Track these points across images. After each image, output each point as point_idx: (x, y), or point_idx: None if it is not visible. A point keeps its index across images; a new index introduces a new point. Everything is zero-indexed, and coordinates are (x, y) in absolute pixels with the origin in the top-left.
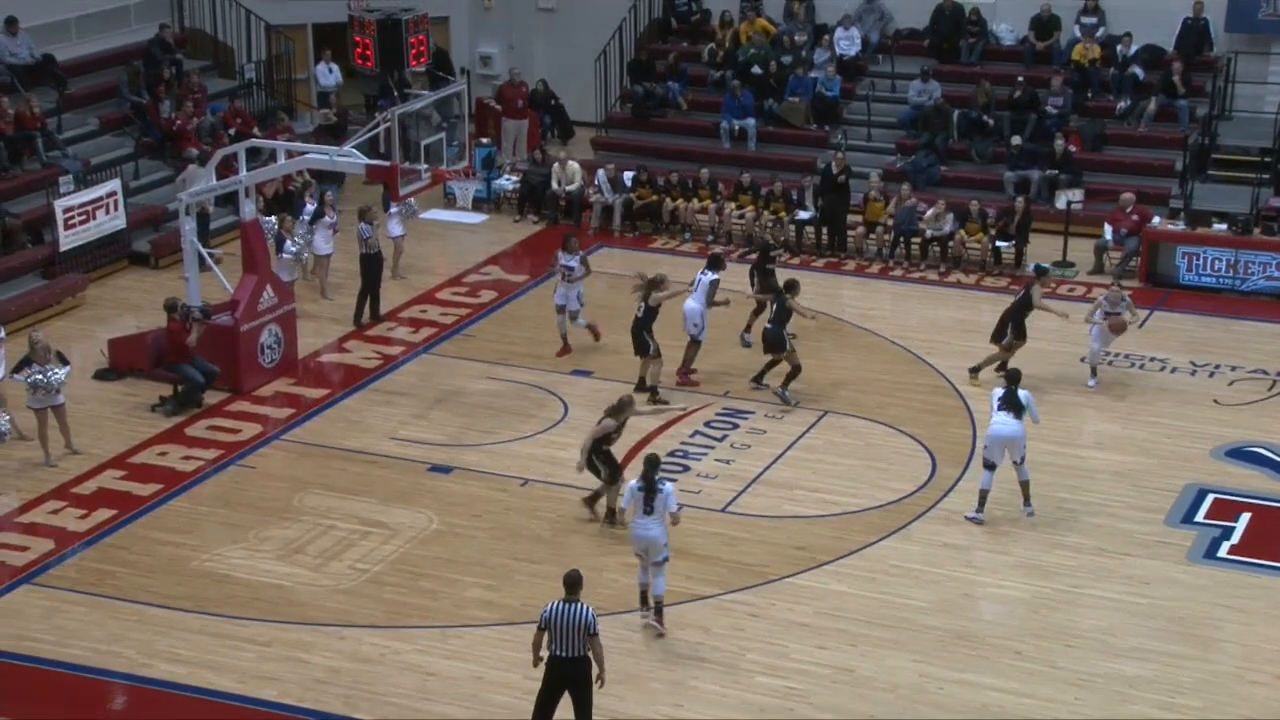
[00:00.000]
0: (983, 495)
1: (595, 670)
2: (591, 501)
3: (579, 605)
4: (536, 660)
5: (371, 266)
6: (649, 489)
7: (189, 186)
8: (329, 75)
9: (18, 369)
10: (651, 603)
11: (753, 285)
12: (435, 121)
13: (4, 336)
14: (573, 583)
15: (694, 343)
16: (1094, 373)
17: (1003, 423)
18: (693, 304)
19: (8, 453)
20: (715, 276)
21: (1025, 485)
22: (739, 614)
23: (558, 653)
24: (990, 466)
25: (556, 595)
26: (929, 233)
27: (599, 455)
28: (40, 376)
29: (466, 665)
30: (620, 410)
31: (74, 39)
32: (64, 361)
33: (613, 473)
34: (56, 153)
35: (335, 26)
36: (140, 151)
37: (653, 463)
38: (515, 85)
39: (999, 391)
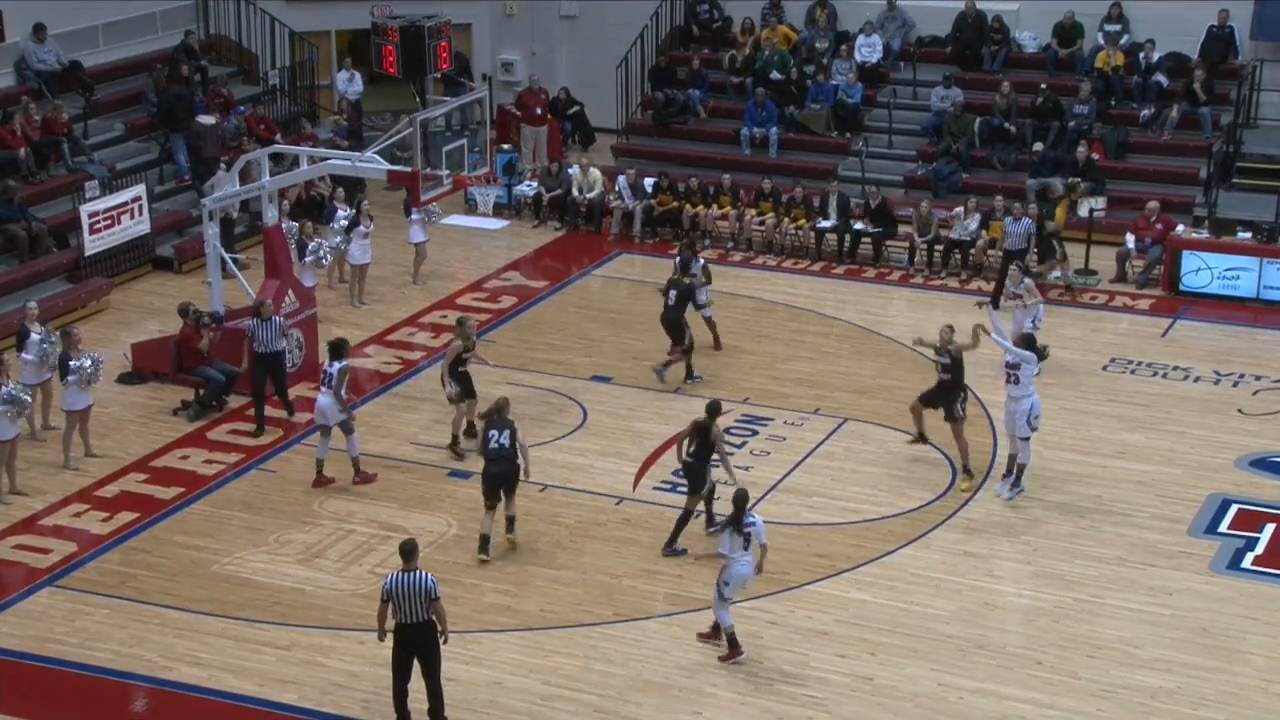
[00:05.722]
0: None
1: (439, 629)
2: None
3: (419, 573)
4: (383, 634)
5: (258, 367)
6: (740, 526)
7: (216, 191)
8: (350, 83)
9: (63, 371)
10: (723, 635)
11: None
12: (456, 127)
13: (56, 338)
14: (409, 551)
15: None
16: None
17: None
18: (323, 399)
19: (29, 456)
20: (342, 365)
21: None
22: (758, 621)
23: (404, 621)
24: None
25: (575, 601)
26: (954, 234)
27: (454, 375)
28: (87, 364)
29: (485, 671)
30: (465, 333)
31: (101, 45)
32: None
33: (464, 391)
34: (82, 158)
35: (358, 33)
36: (165, 157)
37: (743, 498)
38: (534, 92)
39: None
